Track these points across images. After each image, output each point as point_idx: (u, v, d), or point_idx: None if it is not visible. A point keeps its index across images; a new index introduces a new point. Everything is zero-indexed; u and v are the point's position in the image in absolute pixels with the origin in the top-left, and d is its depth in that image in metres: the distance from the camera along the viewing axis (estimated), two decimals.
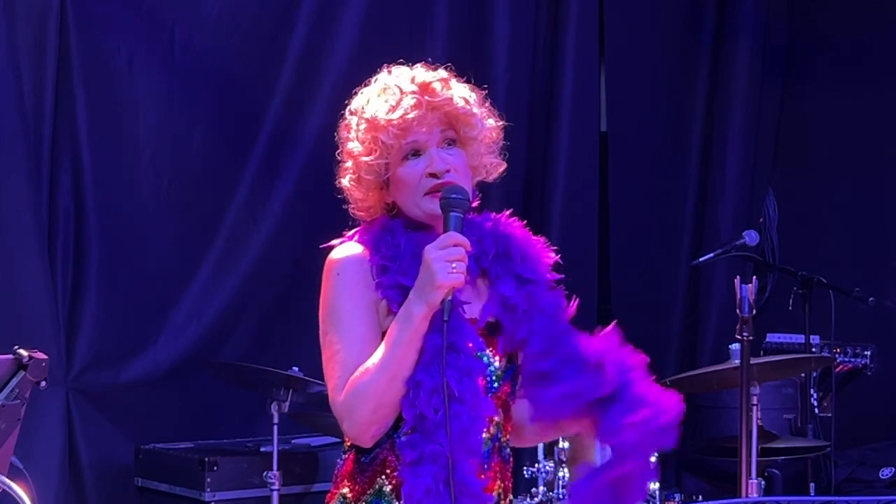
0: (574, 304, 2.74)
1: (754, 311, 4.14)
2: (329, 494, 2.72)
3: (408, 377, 2.56)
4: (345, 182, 2.77)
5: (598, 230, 6.51)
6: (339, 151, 2.81)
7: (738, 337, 4.14)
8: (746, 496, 4.28)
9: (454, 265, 2.53)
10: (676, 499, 5.22)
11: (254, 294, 5.60)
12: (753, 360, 4.42)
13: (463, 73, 2.83)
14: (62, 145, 5.17)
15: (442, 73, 2.72)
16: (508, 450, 2.72)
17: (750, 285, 4.12)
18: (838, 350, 6.45)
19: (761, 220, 6.97)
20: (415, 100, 2.65)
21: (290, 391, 4.76)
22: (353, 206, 2.78)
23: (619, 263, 6.61)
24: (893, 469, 6.09)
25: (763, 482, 4.64)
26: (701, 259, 6.12)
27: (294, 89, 5.65)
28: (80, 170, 5.20)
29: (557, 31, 6.38)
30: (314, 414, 5.10)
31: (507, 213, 2.81)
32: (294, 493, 5.12)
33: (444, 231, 2.57)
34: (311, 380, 4.78)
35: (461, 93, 2.70)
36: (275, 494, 4.76)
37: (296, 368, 4.85)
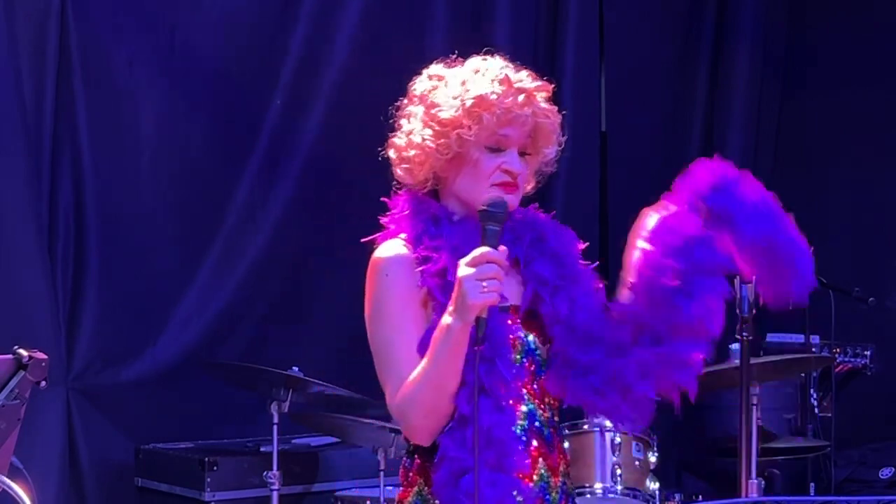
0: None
1: (754, 311, 4.13)
2: (402, 492, 2.73)
3: (455, 384, 2.57)
4: (401, 143, 2.74)
5: (599, 230, 6.51)
6: (397, 115, 2.78)
7: (738, 337, 4.14)
8: (746, 496, 4.27)
9: (485, 284, 2.50)
10: (676, 499, 5.21)
11: (254, 294, 5.60)
12: (753, 360, 4.41)
13: None
14: (62, 145, 5.17)
15: (547, 86, 2.77)
16: (550, 430, 2.71)
17: (750, 285, 4.11)
18: (838, 350, 6.44)
19: None
20: (524, 99, 2.70)
21: (290, 391, 4.75)
22: (402, 172, 2.76)
23: (620, 264, 6.59)
24: (893, 469, 6.09)
25: (763, 482, 4.63)
26: None
27: (294, 89, 5.64)
28: (80, 170, 5.20)
29: (557, 31, 6.38)
30: (314, 414, 5.10)
31: (534, 205, 2.85)
32: (294, 493, 5.12)
33: (481, 243, 2.55)
34: (311, 380, 4.78)
35: (555, 111, 2.77)
36: (275, 494, 4.76)
37: (296, 368, 4.85)
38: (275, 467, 4.75)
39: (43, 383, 2.78)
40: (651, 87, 6.78)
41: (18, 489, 2.72)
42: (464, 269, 2.51)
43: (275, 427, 4.74)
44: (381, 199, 2.80)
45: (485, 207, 2.58)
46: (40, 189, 5.09)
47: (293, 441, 5.37)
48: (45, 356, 2.78)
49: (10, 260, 4.97)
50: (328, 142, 5.66)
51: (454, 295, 2.53)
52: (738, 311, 4.10)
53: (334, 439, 5.30)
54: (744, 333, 4.11)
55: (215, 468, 4.97)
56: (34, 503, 2.73)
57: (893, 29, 6.74)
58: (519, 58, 2.83)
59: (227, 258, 5.55)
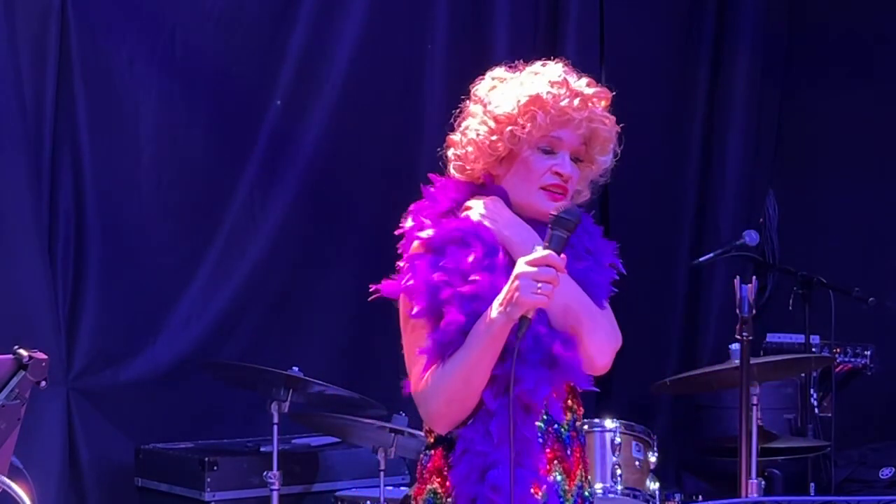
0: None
1: (754, 311, 4.13)
2: (416, 490, 2.75)
3: (484, 378, 2.58)
4: (457, 139, 2.75)
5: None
6: (459, 115, 2.79)
7: (738, 337, 4.14)
8: (746, 496, 4.27)
9: (540, 286, 2.51)
10: (676, 499, 5.22)
11: (254, 294, 5.60)
12: (753, 360, 4.42)
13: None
14: (62, 145, 5.17)
15: (606, 93, 2.76)
16: (569, 433, 2.72)
17: (750, 285, 4.11)
18: (838, 350, 6.45)
19: (761, 220, 6.97)
20: (580, 103, 2.69)
21: (290, 391, 4.75)
22: (456, 170, 2.77)
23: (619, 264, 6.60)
24: (893, 469, 6.09)
25: (763, 482, 4.63)
26: (701, 259, 6.12)
27: (294, 89, 5.65)
28: (80, 170, 5.21)
29: (557, 32, 6.38)
30: (314, 414, 5.10)
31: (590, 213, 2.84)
32: (294, 493, 5.12)
33: (546, 246, 2.56)
34: (311, 380, 4.78)
35: (612, 119, 2.75)
36: (275, 494, 4.76)
37: (296, 368, 4.85)
38: (275, 467, 4.75)
39: (43, 383, 2.78)
40: (651, 87, 6.78)
41: (18, 489, 2.72)
42: (522, 267, 2.53)
43: (275, 427, 4.74)
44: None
45: (557, 213, 2.58)
46: (40, 189, 5.10)
47: (293, 441, 5.37)
48: (45, 356, 2.78)
49: (10, 260, 4.97)
50: (328, 142, 5.66)
51: (505, 289, 2.55)
52: (738, 311, 4.11)
53: (334, 439, 5.30)
54: (744, 333, 4.12)
55: (215, 468, 4.97)
56: (34, 503, 2.73)
57: (893, 29, 6.74)
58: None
59: (227, 258, 5.55)
